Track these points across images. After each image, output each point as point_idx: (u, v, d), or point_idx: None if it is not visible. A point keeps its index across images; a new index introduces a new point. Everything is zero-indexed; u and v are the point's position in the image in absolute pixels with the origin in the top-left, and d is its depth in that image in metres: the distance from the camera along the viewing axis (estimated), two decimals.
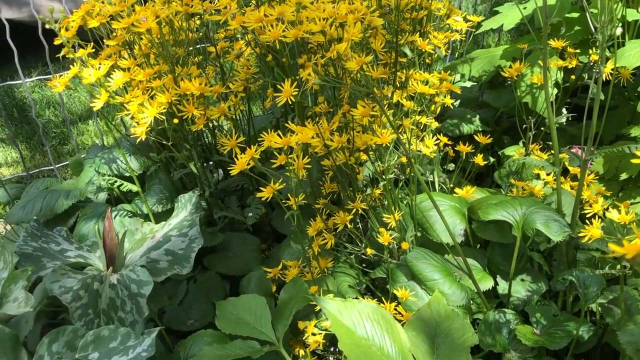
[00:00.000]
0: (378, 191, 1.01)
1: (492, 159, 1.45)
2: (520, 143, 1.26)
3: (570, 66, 1.11)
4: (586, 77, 1.28)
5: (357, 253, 0.99)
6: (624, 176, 1.17)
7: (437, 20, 1.21)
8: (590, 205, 0.75)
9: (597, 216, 0.73)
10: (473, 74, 1.30)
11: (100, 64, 0.90)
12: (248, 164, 0.77)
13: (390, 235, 0.86)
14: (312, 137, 0.78)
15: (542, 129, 1.32)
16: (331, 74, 0.88)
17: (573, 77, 1.11)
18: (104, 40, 0.93)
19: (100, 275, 0.91)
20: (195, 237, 0.98)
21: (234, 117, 0.98)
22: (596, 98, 0.96)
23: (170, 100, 0.86)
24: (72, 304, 0.85)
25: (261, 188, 0.85)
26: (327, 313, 0.68)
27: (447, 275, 0.93)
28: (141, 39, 0.95)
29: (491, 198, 1.07)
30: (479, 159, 1.16)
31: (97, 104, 0.87)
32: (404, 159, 0.82)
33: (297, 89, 0.79)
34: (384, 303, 0.86)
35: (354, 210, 0.94)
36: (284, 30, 0.81)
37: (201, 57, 1.01)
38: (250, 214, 1.13)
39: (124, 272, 0.91)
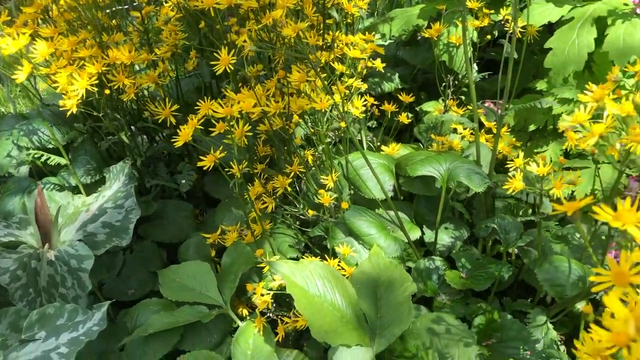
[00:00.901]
0: (310, 152, 1.04)
1: (410, 115, 1.52)
2: (440, 100, 1.33)
3: (483, 25, 1.18)
4: (496, 35, 1.36)
5: (295, 214, 1.02)
6: (532, 127, 1.27)
7: None
8: (512, 160, 0.83)
9: (518, 169, 0.81)
10: (393, 33, 1.34)
11: (17, 33, 0.85)
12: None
13: (330, 195, 0.90)
14: (254, 106, 0.79)
15: (457, 83, 1.39)
16: (264, 40, 0.88)
17: (489, 37, 1.18)
18: (21, 8, 0.88)
19: (37, 253, 0.88)
20: (132, 207, 0.97)
21: (163, 83, 0.96)
22: (510, 56, 1.03)
23: (100, 71, 0.83)
24: (11, 284, 0.83)
25: (201, 157, 0.86)
26: (282, 275, 0.71)
27: (382, 230, 0.99)
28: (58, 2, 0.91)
29: (416, 154, 1.14)
30: (403, 117, 1.21)
31: (20, 76, 0.83)
32: (343, 124, 0.85)
33: (234, 57, 0.79)
34: (324, 260, 0.91)
35: (292, 173, 0.96)
36: None
37: (123, 20, 0.98)
38: (184, 181, 1.12)
39: (62, 248, 0.89)
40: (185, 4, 0.81)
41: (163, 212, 1.14)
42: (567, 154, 1.24)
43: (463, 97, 1.43)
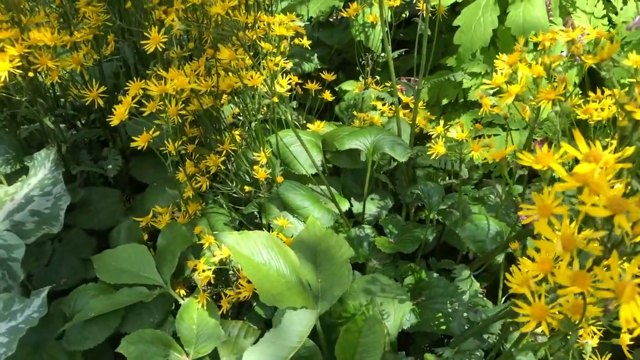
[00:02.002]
0: (239, 131, 1.06)
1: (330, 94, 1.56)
2: (360, 78, 1.38)
3: (396, 4, 1.24)
4: (407, 14, 1.43)
5: (229, 193, 1.04)
6: (445, 101, 1.35)
7: None
8: (433, 129, 0.89)
9: (439, 136, 0.87)
10: (311, 15, 1.38)
11: None
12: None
13: (265, 172, 0.92)
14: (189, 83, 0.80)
15: (373, 62, 1.45)
16: (190, 19, 0.89)
17: (404, 15, 1.25)
18: None
19: None
20: (61, 194, 0.95)
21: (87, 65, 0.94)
22: (424, 33, 1.10)
23: (21, 53, 0.80)
24: None
25: (133, 138, 0.86)
26: (228, 246, 0.73)
27: (315, 202, 1.03)
28: None
29: (341, 130, 1.18)
30: (327, 95, 1.25)
31: None
32: (275, 99, 0.88)
33: (165, 36, 0.80)
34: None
35: (224, 152, 0.98)
36: None
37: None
38: (110, 166, 1.11)
39: None
40: None
41: (90, 200, 1.12)
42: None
43: (378, 77, 1.49)
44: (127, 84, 0.84)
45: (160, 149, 0.87)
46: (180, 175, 1.00)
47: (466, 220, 0.94)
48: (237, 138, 1.06)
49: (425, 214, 1.15)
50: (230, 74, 0.93)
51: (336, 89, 1.55)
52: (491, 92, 0.83)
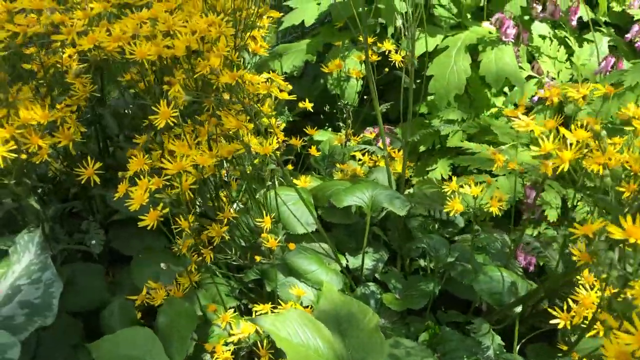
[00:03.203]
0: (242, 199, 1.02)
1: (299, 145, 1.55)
2: (329, 129, 1.38)
3: (373, 60, 1.25)
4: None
5: (227, 261, 0.99)
6: (422, 148, 1.37)
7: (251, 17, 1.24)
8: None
9: (455, 192, 0.87)
10: (285, 70, 1.37)
11: None
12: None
13: (275, 239, 0.89)
14: (210, 159, 0.76)
15: (346, 114, 1.45)
16: (192, 86, 0.86)
17: (386, 70, 1.26)
18: None
19: None
20: (52, 280, 0.88)
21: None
22: (409, 88, 1.12)
23: (13, 134, 0.74)
24: None
25: (140, 217, 0.80)
26: (267, 330, 0.69)
27: (322, 265, 1.00)
28: None
29: (330, 185, 1.17)
30: (314, 150, 1.24)
31: None
32: (278, 168, 0.86)
33: (175, 110, 0.76)
34: (277, 306, 0.89)
35: (225, 220, 0.94)
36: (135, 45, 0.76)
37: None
38: (94, 242, 1.03)
39: None
40: (108, 55, 0.76)
41: (72, 278, 1.03)
42: (455, 171, 1.36)
43: (341, 124, 1.49)
44: (130, 158, 0.79)
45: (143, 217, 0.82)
46: (182, 247, 0.94)
47: (479, 272, 0.94)
48: (237, 203, 1.02)
49: (418, 264, 1.15)
50: (231, 140, 0.90)
51: (306, 139, 1.54)
52: (503, 148, 0.85)
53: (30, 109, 0.77)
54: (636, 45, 1.26)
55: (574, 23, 1.30)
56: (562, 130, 0.61)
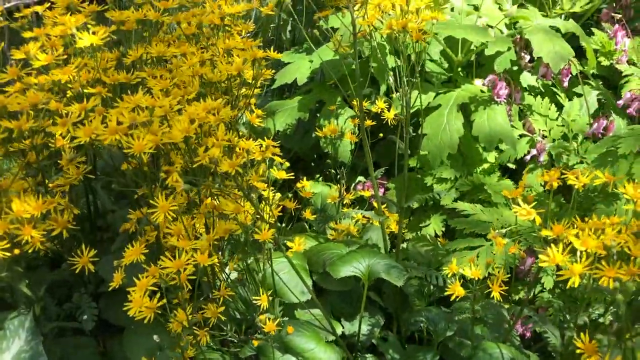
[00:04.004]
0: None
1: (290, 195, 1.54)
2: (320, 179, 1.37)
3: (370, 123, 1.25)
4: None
5: (224, 338, 0.97)
6: (415, 205, 1.37)
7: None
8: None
9: (456, 276, 0.87)
10: (278, 129, 1.36)
11: None
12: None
13: (272, 320, 0.88)
14: (209, 257, 0.75)
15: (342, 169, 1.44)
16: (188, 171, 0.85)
17: (381, 134, 1.26)
18: None
19: None
20: None
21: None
22: (405, 154, 1.12)
23: (6, 230, 0.72)
24: None
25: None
26: None
27: (320, 341, 0.98)
28: None
29: (325, 248, 1.16)
30: (308, 214, 1.23)
31: None
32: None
33: (174, 202, 0.74)
34: None
35: (221, 298, 0.92)
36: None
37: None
38: (86, 317, 1.01)
39: None
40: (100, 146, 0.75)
41: (65, 356, 1.01)
42: (447, 227, 1.36)
43: (333, 172, 1.49)
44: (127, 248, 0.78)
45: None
46: (174, 325, 0.92)
47: (478, 349, 0.93)
48: (232, 267, 1.00)
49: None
50: (228, 220, 0.88)
51: (296, 189, 1.52)
52: (504, 231, 0.84)
53: (23, 200, 0.75)
54: (628, 111, 1.27)
55: (566, 84, 1.31)
56: (572, 238, 0.61)
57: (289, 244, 1.23)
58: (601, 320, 0.83)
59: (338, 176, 1.28)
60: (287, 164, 1.02)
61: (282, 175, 0.96)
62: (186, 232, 0.80)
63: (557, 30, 1.32)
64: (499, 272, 0.89)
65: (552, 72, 1.23)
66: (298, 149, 1.51)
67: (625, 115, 1.31)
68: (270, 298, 1.04)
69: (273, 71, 1.34)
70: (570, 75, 1.29)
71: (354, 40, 1.00)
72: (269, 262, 1.03)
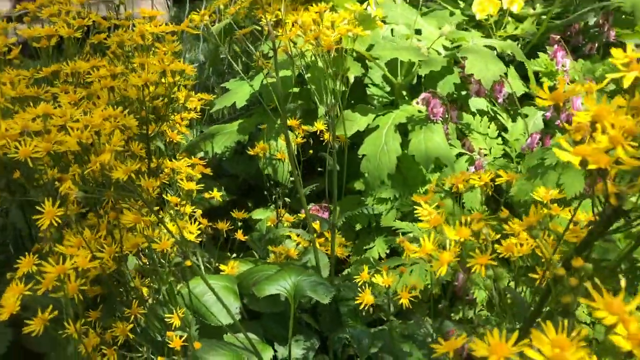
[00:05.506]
0: (145, 289, 0.98)
1: (239, 223, 1.51)
2: (270, 207, 1.35)
3: (299, 142, 1.25)
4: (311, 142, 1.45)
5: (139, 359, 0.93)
6: (358, 227, 1.35)
7: (174, 103, 1.23)
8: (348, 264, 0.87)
9: (366, 284, 0.84)
10: (216, 151, 1.35)
11: None
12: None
13: (180, 337, 0.84)
14: (91, 260, 0.72)
15: (280, 192, 1.43)
16: (88, 180, 0.83)
17: (311, 151, 1.25)
18: None
19: None
20: None
21: None
22: (333, 170, 1.10)
23: None
24: None
25: (27, 322, 0.75)
26: None
27: None
28: None
29: (257, 270, 1.13)
30: (240, 235, 1.21)
31: None
32: (188, 263, 0.82)
33: (60, 209, 0.72)
34: None
35: (132, 317, 0.89)
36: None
37: None
38: None
39: None
40: None
41: None
42: (392, 250, 1.33)
43: (288, 200, 1.47)
44: (18, 258, 0.75)
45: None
46: (82, 348, 0.88)
47: None
48: (145, 292, 0.97)
49: (349, 350, 1.10)
50: (134, 232, 0.86)
51: (246, 217, 1.50)
52: (411, 235, 0.82)
53: None
54: None
55: (500, 100, 1.31)
56: (445, 227, 0.59)
57: (221, 267, 1.20)
58: None
59: (274, 196, 1.25)
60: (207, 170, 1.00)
61: (192, 186, 0.94)
62: (84, 242, 0.78)
63: (493, 49, 1.33)
64: (430, 286, 0.87)
65: (485, 89, 1.23)
66: (245, 174, 1.50)
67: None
68: (190, 317, 1.00)
69: (214, 96, 1.35)
70: (503, 92, 1.29)
71: (275, 60, 1.00)
72: (187, 286, 1.00)
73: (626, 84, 0.54)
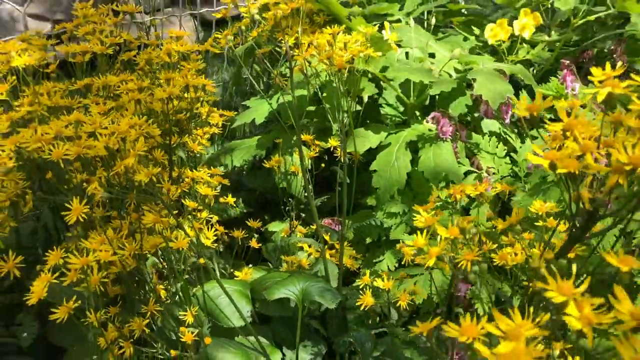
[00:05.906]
0: (162, 287, 1.04)
1: (256, 235, 1.58)
2: (287, 220, 1.41)
3: (314, 155, 1.31)
4: (326, 158, 1.51)
5: (154, 355, 0.99)
6: (368, 240, 1.40)
7: (196, 118, 1.31)
8: (359, 274, 0.91)
9: (367, 286, 0.89)
10: (235, 164, 1.42)
11: None
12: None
13: (192, 332, 0.90)
14: (114, 254, 0.79)
15: (299, 205, 1.49)
16: (114, 183, 0.90)
17: (323, 165, 1.31)
18: None
19: None
20: None
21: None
22: (343, 182, 1.16)
23: None
24: None
25: (52, 310, 0.82)
26: None
27: None
28: None
29: (269, 277, 1.18)
30: (254, 242, 1.26)
31: None
32: (202, 261, 0.88)
33: (87, 207, 0.79)
34: None
35: (148, 313, 0.95)
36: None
37: None
38: (25, 334, 1.04)
39: None
40: (30, 155, 0.81)
41: None
42: (400, 261, 1.37)
43: (303, 214, 1.53)
44: (47, 253, 0.82)
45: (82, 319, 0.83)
46: (101, 340, 0.95)
47: None
48: (162, 293, 1.04)
49: (356, 357, 1.15)
50: (154, 234, 0.92)
51: (262, 229, 1.57)
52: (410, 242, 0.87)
53: None
54: None
55: (507, 120, 1.36)
56: (437, 226, 0.64)
57: (236, 272, 1.26)
58: None
59: (287, 209, 1.31)
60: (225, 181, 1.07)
61: (209, 192, 1.00)
62: (107, 240, 0.84)
63: (502, 72, 1.38)
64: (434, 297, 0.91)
65: (492, 109, 1.28)
66: (262, 188, 1.57)
67: None
68: (203, 317, 1.06)
69: (235, 113, 1.43)
70: (510, 112, 1.34)
71: (291, 78, 1.07)
72: (202, 286, 1.06)
73: (599, 98, 0.59)
